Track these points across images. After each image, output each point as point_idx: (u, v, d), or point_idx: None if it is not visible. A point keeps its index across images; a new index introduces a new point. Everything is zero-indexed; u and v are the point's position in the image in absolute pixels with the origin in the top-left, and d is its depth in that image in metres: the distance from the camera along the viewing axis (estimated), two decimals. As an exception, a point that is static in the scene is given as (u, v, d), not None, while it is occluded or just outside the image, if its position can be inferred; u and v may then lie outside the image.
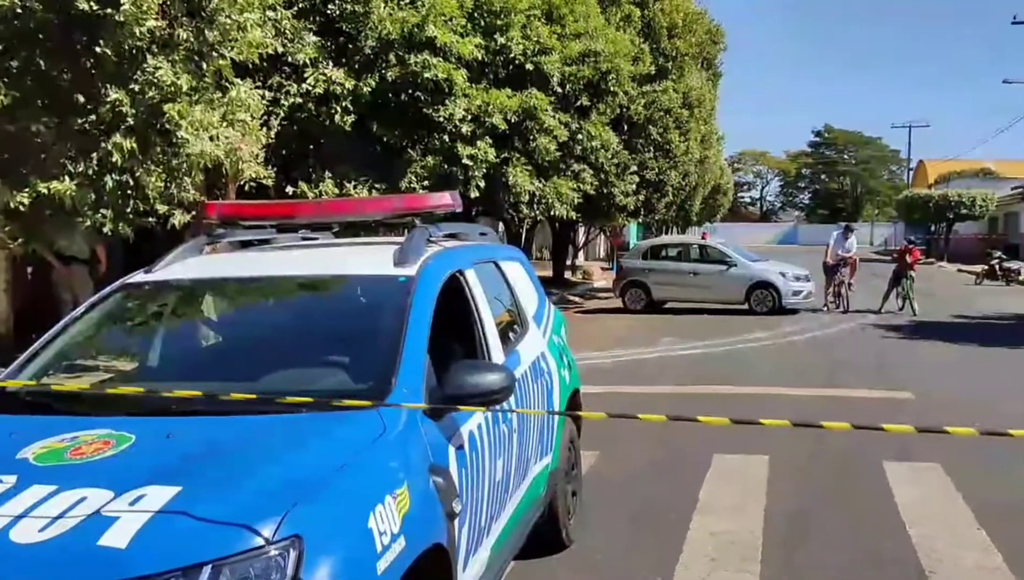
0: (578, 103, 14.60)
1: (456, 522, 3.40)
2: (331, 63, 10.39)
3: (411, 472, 3.13)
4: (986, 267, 32.48)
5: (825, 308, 20.33)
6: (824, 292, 20.75)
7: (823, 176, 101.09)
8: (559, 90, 13.85)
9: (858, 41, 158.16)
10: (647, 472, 7.15)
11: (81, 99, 6.70)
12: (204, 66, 7.05)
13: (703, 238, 26.53)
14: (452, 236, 4.99)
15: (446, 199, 4.93)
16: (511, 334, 5.02)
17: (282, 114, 9.70)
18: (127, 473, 2.71)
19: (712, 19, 25.91)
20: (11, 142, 6.71)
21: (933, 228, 54.20)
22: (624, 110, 17.43)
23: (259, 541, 2.44)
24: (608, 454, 7.46)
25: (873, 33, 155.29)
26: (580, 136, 14.75)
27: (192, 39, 6.78)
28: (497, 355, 4.44)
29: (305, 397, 3.17)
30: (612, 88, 15.01)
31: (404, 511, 2.93)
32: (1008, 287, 29.46)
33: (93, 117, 6.79)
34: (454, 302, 4.37)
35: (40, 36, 6.50)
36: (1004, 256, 34.11)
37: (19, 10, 6.12)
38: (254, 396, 3.15)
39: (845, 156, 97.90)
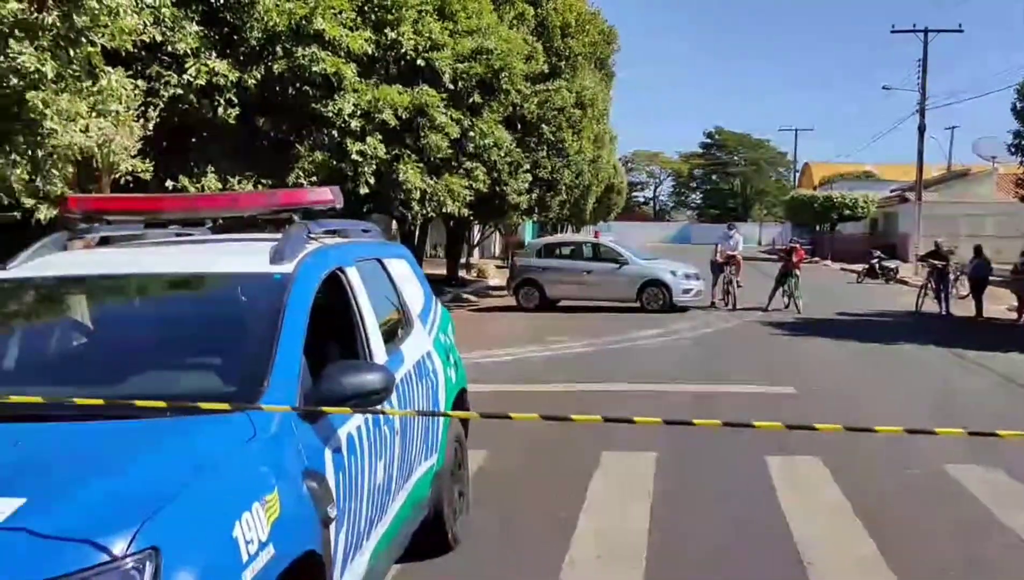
0: (470, 100, 14.51)
1: (332, 528, 3.29)
2: (214, 54, 10.04)
3: (283, 477, 3.00)
4: (867, 266, 33.87)
5: (713, 306, 20.82)
6: (712, 290, 21.26)
7: (714, 176, 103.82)
8: (451, 87, 13.74)
9: (750, 45, 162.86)
10: (536, 470, 7.13)
11: (-64, 86, 6.26)
12: (72, 53, 6.68)
13: (595, 237, 26.91)
14: (333, 233, 4.84)
15: (326, 195, 4.76)
16: (395, 333, 4.92)
17: (161, 105, 9.30)
18: (-31, 484, 2.51)
19: (605, 20, 26.25)
20: None
21: (818, 228, 56.27)
22: (517, 108, 17.44)
23: (112, 554, 2.29)
24: (497, 453, 7.41)
25: (764, 38, 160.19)
26: (472, 134, 14.67)
27: (59, 24, 6.42)
28: (379, 355, 4.33)
29: (163, 400, 2.99)
30: (505, 86, 14.98)
31: (273, 518, 2.80)
32: (887, 285, 30.79)
33: (-50, 105, 6.36)
34: (334, 301, 4.24)
35: None
36: (883, 255, 35.62)
37: None
38: (100, 402, 2.96)
39: (735, 157, 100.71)
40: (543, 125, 19.54)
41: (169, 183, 9.81)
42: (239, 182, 10.40)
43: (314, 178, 11.30)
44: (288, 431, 3.20)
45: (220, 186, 10.09)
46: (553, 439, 7.81)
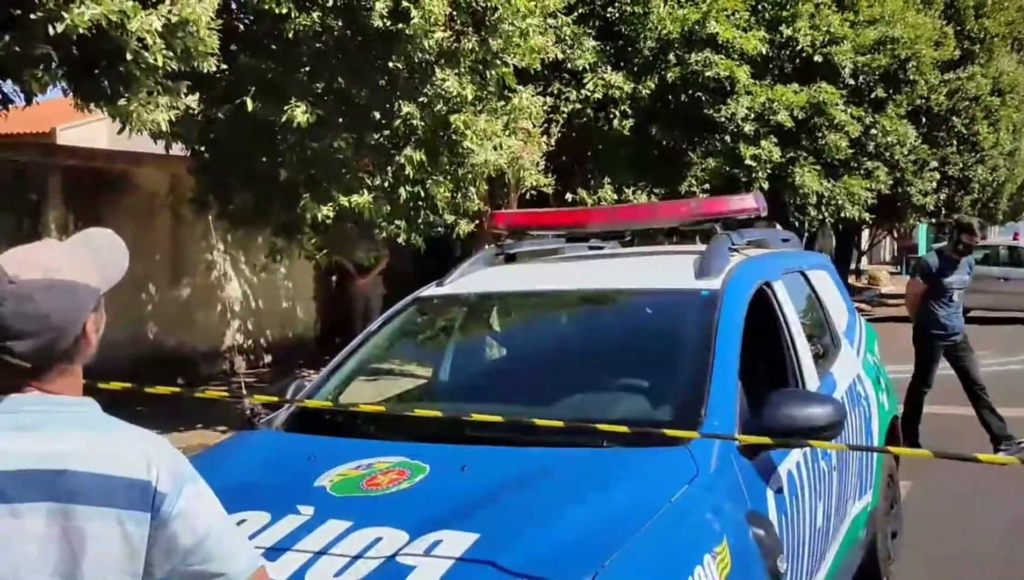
0: (872, 95, 13.46)
1: (778, 582, 2.93)
2: (609, 67, 10.18)
3: (728, 523, 2.68)
4: None
5: None
6: None
7: None
8: (851, 82, 12.84)
9: None
10: (972, 508, 6.24)
11: (377, 115, 6.90)
12: (487, 75, 7.04)
13: (1015, 239, 23.85)
14: (754, 243, 4.49)
15: (750, 202, 4.42)
16: (823, 354, 4.45)
17: (561, 121, 9.60)
18: (422, 512, 2.50)
19: (1025, -6, 23.20)
20: (315, 159, 7.03)
21: None
22: (924, 100, 15.91)
23: (568, 606, 2.12)
24: (923, 485, 6.60)
25: None
26: (874, 131, 13.59)
27: (477, 48, 6.77)
28: (811, 380, 3.89)
29: (616, 426, 2.80)
30: (912, 77, 13.72)
31: (725, 573, 2.48)
32: None
33: (387, 131, 6.97)
34: (761, 319, 3.87)
35: (339, 56, 6.74)
36: None
37: (319, 28, 6.35)
38: (561, 424, 2.84)
39: None
40: (953, 117, 17.66)
41: (568, 196, 10.07)
42: (633, 192, 10.43)
43: (706, 186, 11.06)
44: (728, 468, 2.88)
45: (615, 197, 10.18)
46: (990, 473, 6.78)
